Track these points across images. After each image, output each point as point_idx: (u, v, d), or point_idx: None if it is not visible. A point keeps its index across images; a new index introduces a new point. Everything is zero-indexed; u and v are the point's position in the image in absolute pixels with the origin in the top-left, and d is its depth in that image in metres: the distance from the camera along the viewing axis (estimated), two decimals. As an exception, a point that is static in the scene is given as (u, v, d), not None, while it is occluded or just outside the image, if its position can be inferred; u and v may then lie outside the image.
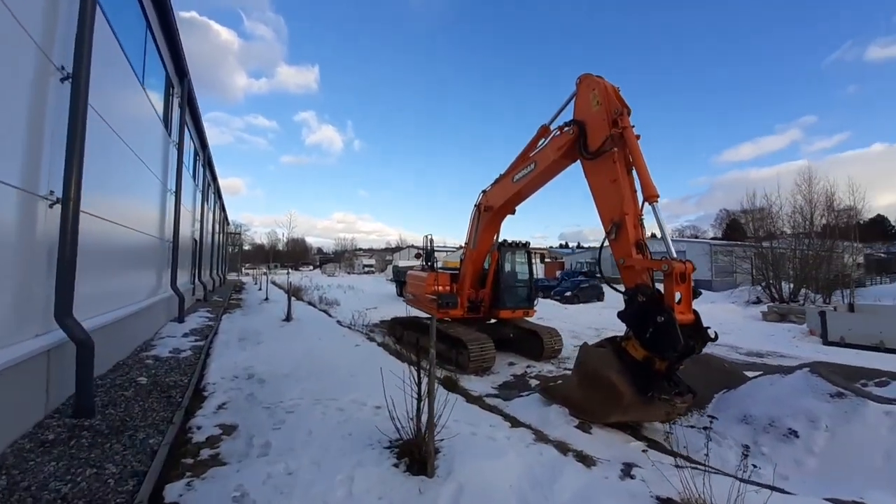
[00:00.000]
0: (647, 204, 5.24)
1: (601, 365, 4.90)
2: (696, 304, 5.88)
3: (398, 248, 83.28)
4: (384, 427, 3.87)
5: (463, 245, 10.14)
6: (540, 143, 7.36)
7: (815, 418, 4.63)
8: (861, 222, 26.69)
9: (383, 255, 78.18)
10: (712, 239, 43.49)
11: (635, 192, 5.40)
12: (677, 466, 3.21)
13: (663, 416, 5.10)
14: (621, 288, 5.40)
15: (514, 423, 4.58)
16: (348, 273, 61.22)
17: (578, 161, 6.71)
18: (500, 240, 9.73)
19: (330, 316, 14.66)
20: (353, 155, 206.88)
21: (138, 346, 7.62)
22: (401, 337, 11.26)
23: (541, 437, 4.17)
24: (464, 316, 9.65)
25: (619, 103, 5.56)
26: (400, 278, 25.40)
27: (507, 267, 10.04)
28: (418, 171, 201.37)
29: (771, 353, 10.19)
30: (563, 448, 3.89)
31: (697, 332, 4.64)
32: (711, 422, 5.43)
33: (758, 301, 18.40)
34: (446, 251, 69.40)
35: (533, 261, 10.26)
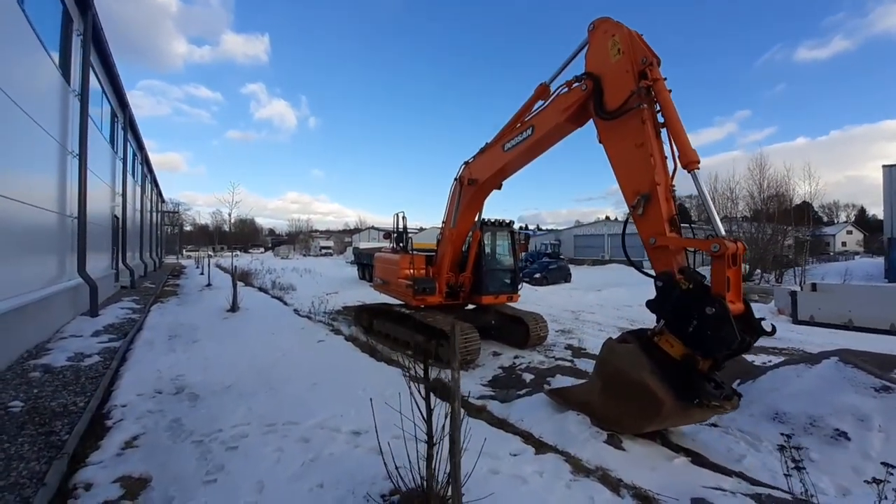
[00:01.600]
0: (680, 173, 4.38)
1: (632, 366, 4.05)
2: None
3: (358, 230, 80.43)
4: (369, 467, 2.74)
5: (441, 224, 8.98)
6: (537, 105, 6.27)
7: (865, 417, 4.08)
8: (789, 208, 28.31)
9: (342, 237, 74.99)
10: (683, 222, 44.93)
11: (665, 157, 4.50)
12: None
13: (697, 421, 4.39)
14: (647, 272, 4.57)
15: (537, 445, 3.60)
16: (304, 255, 58.04)
17: (586, 124, 5.76)
18: (482, 219, 8.67)
19: (285, 304, 13.02)
20: (308, 132, 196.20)
21: (25, 352, 5.84)
22: (369, 326, 10.02)
23: (577, 465, 3.23)
24: (442, 302, 8.58)
25: (647, 51, 4.57)
26: (362, 260, 23.86)
27: (490, 248, 9.03)
28: (380, 151, 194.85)
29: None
30: (611, 483, 2.96)
31: (749, 325, 3.88)
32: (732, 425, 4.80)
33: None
34: (412, 233, 68.02)
35: (517, 242, 9.33)
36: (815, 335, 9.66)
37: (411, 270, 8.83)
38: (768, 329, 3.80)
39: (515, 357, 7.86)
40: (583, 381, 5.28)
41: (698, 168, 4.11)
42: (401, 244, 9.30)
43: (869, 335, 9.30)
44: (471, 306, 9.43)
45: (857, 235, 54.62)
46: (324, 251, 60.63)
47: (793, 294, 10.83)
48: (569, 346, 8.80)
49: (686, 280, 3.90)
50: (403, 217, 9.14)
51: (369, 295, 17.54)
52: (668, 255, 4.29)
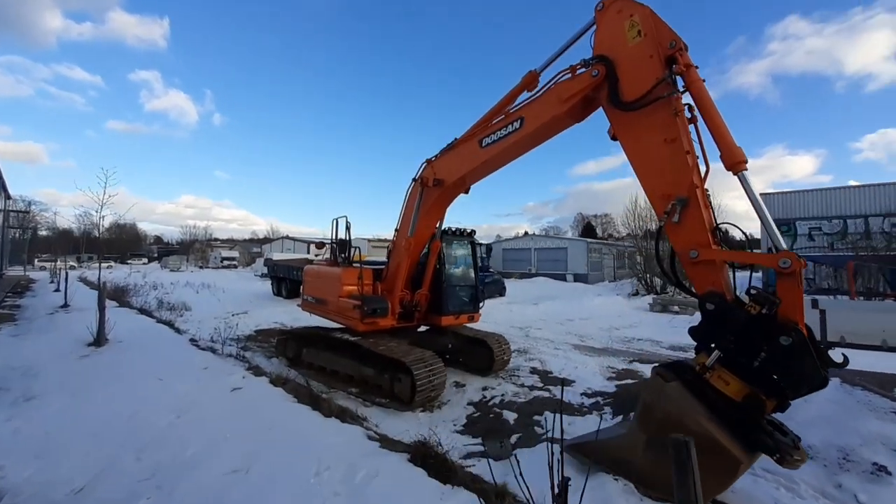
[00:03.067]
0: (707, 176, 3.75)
1: (689, 413, 3.20)
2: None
3: (269, 240, 73.21)
4: None
5: (393, 232, 7.59)
6: (522, 96, 5.38)
7: (899, 448, 3.78)
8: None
9: (248, 247, 67.42)
10: (589, 238, 48.03)
11: (696, 157, 3.86)
12: None
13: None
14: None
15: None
16: (200, 268, 50.60)
17: (584, 118, 5.01)
18: (443, 226, 7.51)
19: (177, 330, 10.23)
20: (213, 130, 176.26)
21: None
22: (297, 357, 8.10)
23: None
24: (394, 325, 7.15)
25: (673, 34, 3.93)
26: (278, 274, 20.92)
27: (451, 261, 7.88)
28: (299, 157, 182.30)
29: (690, 345, 10.38)
30: None
31: (817, 355, 3.29)
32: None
33: (637, 293, 20.49)
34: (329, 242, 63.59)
35: (478, 254, 8.31)
36: None
37: (358, 287, 7.28)
38: (839, 360, 3.23)
39: (484, 388, 6.74)
40: (605, 427, 4.30)
41: (746, 169, 3.49)
42: (343, 255, 7.66)
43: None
44: (422, 327, 8.15)
45: (721, 252, 65.10)
46: (226, 263, 53.57)
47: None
48: (534, 370, 7.96)
49: (756, 304, 3.18)
50: (348, 224, 7.54)
51: (290, 314, 15.16)
52: (713, 271, 3.58)
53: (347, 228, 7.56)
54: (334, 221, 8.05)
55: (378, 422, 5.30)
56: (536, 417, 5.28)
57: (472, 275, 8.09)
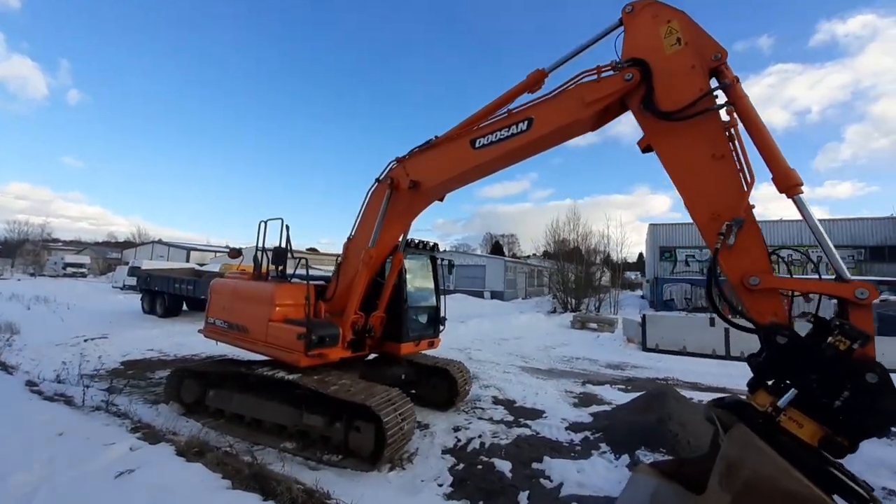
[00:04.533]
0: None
1: (784, 470, 2.71)
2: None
3: (131, 244, 61.19)
4: None
5: (345, 241, 6.21)
6: (520, 98, 4.75)
7: (898, 472, 3.88)
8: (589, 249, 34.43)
9: (103, 251, 55.12)
10: (496, 255, 50.02)
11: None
12: None
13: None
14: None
15: None
16: (33, 275, 39.46)
17: (599, 127, 4.58)
18: (406, 238, 6.43)
19: (5, 368, 7.09)
20: (66, 109, 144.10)
21: None
22: (197, 402, 6.06)
23: None
24: (344, 357, 5.77)
25: (716, 44, 3.69)
26: (151, 286, 16.93)
27: (412, 278, 6.79)
28: (175, 150, 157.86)
29: (623, 363, 10.82)
30: None
31: None
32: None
33: (554, 311, 21.56)
34: (215, 251, 55.21)
35: (439, 271, 7.32)
36: (665, 361, 11.05)
37: (302, 310, 5.76)
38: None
39: (455, 429, 5.72)
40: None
41: (801, 192, 3.28)
42: (279, 268, 6.03)
43: (700, 360, 11.22)
44: (371, 355, 6.84)
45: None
46: (72, 270, 42.80)
47: (642, 325, 12.44)
48: (496, 400, 7.23)
49: (846, 338, 2.86)
50: (286, 227, 5.97)
51: (169, 338, 12.07)
52: (774, 299, 3.25)
53: (288, 232, 5.98)
54: (262, 224, 6.39)
55: (335, 489, 3.92)
56: (537, 466, 4.47)
57: (434, 294, 7.10)
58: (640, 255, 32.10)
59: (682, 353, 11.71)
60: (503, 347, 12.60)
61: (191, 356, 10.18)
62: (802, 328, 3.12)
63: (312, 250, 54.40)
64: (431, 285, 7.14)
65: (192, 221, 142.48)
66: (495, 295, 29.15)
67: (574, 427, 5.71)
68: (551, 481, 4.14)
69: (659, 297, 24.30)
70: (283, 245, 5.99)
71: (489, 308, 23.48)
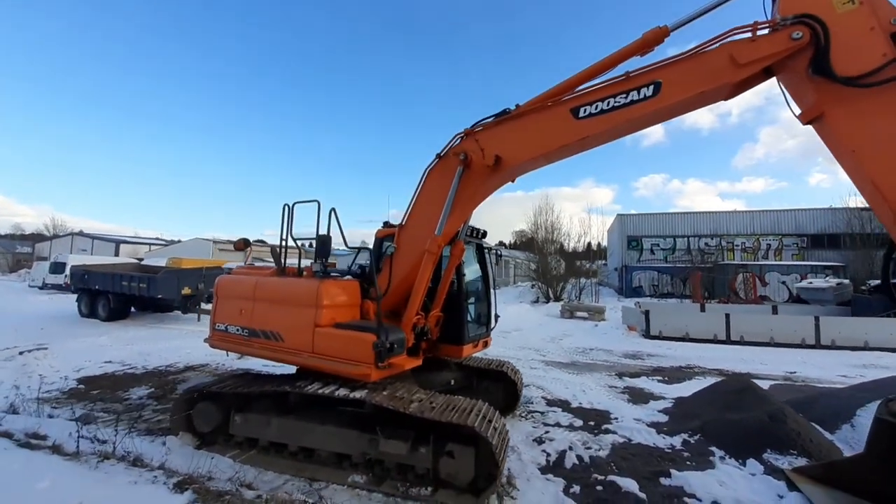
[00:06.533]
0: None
1: None
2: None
3: (43, 237, 53.35)
4: None
5: (395, 226, 5.21)
6: (618, 65, 4.10)
7: None
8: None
9: (10, 246, 47.38)
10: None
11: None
12: None
13: None
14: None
15: None
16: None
17: (739, 94, 4.04)
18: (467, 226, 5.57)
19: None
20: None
21: None
22: (218, 430, 4.84)
23: None
24: (413, 365, 4.87)
25: (893, 7, 3.27)
26: (92, 286, 14.38)
27: (469, 272, 5.96)
28: (91, 130, 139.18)
29: (638, 352, 10.75)
30: None
31: None
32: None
33: (537, 300, 21.59)
34: (149, 244, 49.48)
35: (487, 261, 6.52)
36: (671, 347, 11.17)
37: (347, 311, 4.76)
38: None
39: (536, 441, 5.04)
40: None
41: None
42: (322, 262, 4.94)
43: (705, 345, 11.48)
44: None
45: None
46: (-29, 268, 36.17)
47: (646, 313, 12.54)
48: (548, 401, 6.68)
49: None
50: (334, 212, 4.86)
51: (128, 347, 10.18)
52: None
53: (334, 215, 4.87)
54: (286, 207, 5.24)
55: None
56: (668, 481, 3.93)
57: (488, 288, 6.32)
58: (589, 244, 33.32)
59: (685, 339, 11.95)
60: (510, 340, 12.12)
61: (165, 368, 8.58)
62: None
63: (260, 242, 50.61)
64: (481, 278, 6.35)
65: (116, 212, 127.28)
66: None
67: (658, 428, 5.28)
68: (699, 500, 3.62)
69: (628, 285, 25.29)
70: (327, 233, 4.89)
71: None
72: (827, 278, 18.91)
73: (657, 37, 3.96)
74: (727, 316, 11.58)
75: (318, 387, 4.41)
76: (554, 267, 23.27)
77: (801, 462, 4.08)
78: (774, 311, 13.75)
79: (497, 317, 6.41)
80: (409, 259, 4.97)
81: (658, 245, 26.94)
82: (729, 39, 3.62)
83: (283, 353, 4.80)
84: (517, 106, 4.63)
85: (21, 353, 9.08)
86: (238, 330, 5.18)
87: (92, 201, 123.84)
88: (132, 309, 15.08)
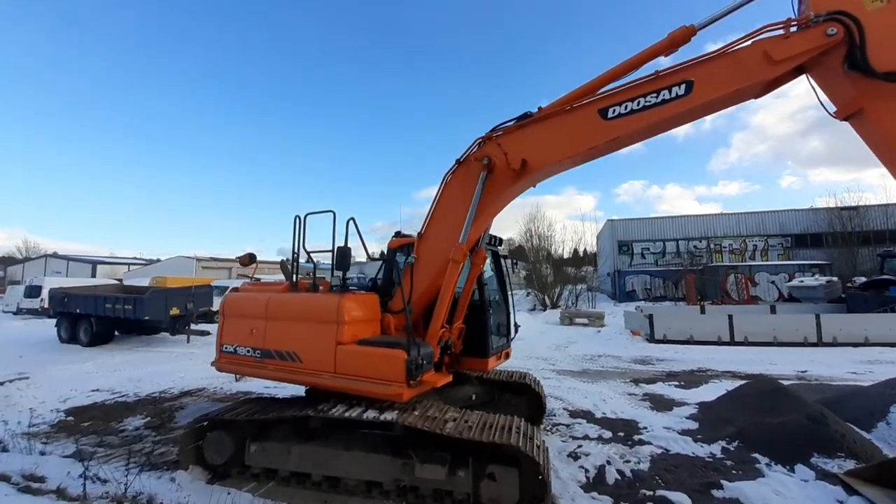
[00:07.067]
0: None
1: None
2: None
3: (13, 259, 51.18)
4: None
5: (414, 235, 5.00)
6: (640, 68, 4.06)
7: None
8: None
9: (-21, 270, 45.12)
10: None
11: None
12: None
13: None
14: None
15: None
16: None
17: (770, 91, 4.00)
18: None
19: None
20: None
21: None
22: (232, 461, 4.46)
23: None
24: (444, 381, 4.62)
25: None
26: (72, 309, 13.64)
27: (488, 280, 5.76)
28: (62, 149, 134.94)
29: (647, 357, 10.66)
30: None
31: None
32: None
33: (534, 308, 21.49)
34: (127, 264, 47.81)
35: (503, 268, 6.33)
36: (694, 352, 11.06)
37: (368, 327, 4.51)
38: None
39: (571, 457, 4.81)
40: None
41: None
42: (344, 278, 4.69)
43: (711, 347, 11.48)
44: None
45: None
46: (-64, 294, 34.10)
47: (650, 317, 12.51)
48: (572, 413, 6.48)
49: None
50: (351, 221, 4.63)
51: (116, 374, 9.59)
52: None
53: (355, 228, 4.64)
54: (297, 219, 5.01)
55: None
56: (721, 494, 3.74)
57: (506, 297, 6.13)
58: (575, 250, 33.67)
59: (690, 342, 11.94)
60: (516, 350, 11.65)
61: (159, 394, 8.06)
62: None
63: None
64: (498, 288, 6.16)
65: (91, 232, 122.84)
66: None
67: (692, 436, 5.12)
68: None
69: (622, 289, 25.44)
70: (345, 244, 4.64)
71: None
72: (815, 276, 19.34)
73: (684, 36, 3.90)
74: (730, 317, 11.64)
75: (344, 409, 4.11)
76: (546, 274, 23.30)
77: (850, 464, 3.97)
78: (773, 310, 13.93)
79: (517, 326, 6.23)
80: (431, 269, 4.77)
81: (648, 249, 27.29)
82: (762, 37, 3.60)
83: (301, 374, 4.49)
84: (540, 109, 4.53)
85: (1, 384, 8.42)
86: (249, 351, 4.85)
87: (65, 222, 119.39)
88: (116, 332, 14.33)
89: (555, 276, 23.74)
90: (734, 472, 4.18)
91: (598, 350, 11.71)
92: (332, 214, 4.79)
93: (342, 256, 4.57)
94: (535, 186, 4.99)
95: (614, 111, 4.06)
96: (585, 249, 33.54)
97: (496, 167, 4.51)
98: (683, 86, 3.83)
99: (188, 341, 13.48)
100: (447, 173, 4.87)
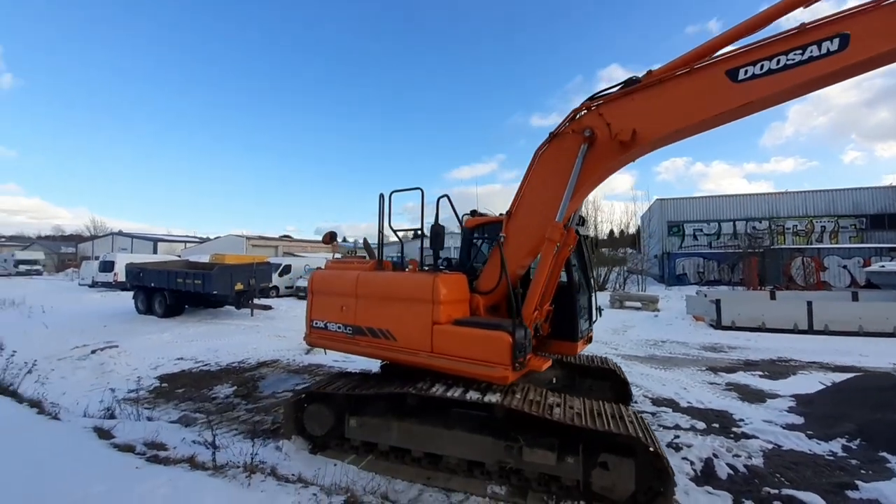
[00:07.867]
0: None
1: None
2: None
3: (82, 237, 55.38)
4: None
5: (503, 215, 4.83)
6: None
7: None
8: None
9: (55, 247, 49.43)
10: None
11: None
12: None
13: None
14: None
15: None
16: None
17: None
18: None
19: (36, 407, 5.18)
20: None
21: None
22: (331, 433, 4.60)
23: None
24: (546, 364, 4.51)
25: None
26: (147, 283, 14.59)
27: (578, 264, 5.54)
28: (124, 137, 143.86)
29: (716, 345, 10.13)
30: None
31: None
32: None
33: (581, 290, 21.14)
34: (183, 241, 50.71)
35: (584, 249, 6.06)
36: (768, 340, 10.38)
37: (459, 307, 4.43)
38: None
39: (672, 448, 4.63)
40: None
41: None
42: (442, 259, 4.61)
43: (787, 335, 10.76)
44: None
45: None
46: (25, 268, 37.74)
47: (717, 302, 11.84)
48: (655, 401, 6.23)
49: None
50: (445, 198, 4.50)
51: (192, 342, 10.18)
52: None
53: (450, 205, 4.51)
54: (382, 197, 4.94)
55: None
56: (857, 495, 3.47)
57: (588, 279, 5.88)
58: (611, 231, 32.43)
59: (762, 329, 11.23)
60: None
61: (238, 364, 8.52)
62: None
63: (287, 237, 51.27)
64: (581, 268, 5.91)
65: (147, 212, 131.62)
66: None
67: (801, 430, 4.78)
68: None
69: (671, 272, 24.29)
70: (437, 224, 4.55)
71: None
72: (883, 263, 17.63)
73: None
74: (809, 304, 10.78)
75: (444, 389, 4.09)
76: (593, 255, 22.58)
77: None
78: (854, 297, 12.81)
79: (600, 309, 5.99)
80: (521, 249, 4.60)
81: (701, 230, 25.73)
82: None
83: (396, 352, 4.51)
84: (649, 72, 4.13)
85: (94, 352, 9.15)
86: (340, 327, 4.92)
87: (124, 203, 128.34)
88: (186, 306, 15.26)
89: (598, 257, 22.96)
90: (863, 471, 3.86)
91: (659, 335, 11.25)
92: (420, 192, 4.70)
93: (436, 235, 4.48)
94: (634, 161, 4.64)
95: (747, 72, 3.61)
96: (622, 231, 32.26)
97: (598, 139, 4.20)
98: (837, 40, 3.34)
99: (252, 314, 14.17)
100: (539, 149, 4.61)
